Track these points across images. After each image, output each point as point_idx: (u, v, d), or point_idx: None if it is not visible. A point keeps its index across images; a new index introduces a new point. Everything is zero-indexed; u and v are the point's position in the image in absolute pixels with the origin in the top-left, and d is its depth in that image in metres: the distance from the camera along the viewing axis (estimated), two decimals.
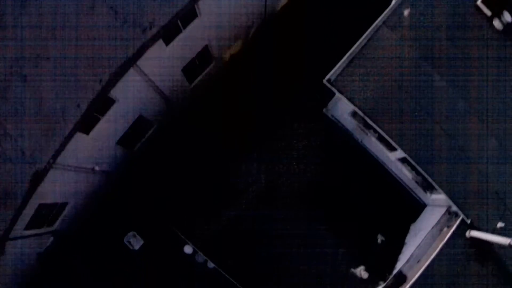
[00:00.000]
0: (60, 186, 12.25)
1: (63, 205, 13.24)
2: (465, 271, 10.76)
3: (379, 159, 12.97)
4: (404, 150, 10.41)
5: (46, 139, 10.12)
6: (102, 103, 10.72)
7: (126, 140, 13.25)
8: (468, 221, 10.43)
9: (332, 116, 13.64)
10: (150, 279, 13.88)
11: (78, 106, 10.12)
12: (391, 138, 10.44)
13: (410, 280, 10.83)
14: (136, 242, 13.98)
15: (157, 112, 13.71)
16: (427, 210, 12.82)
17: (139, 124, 13.26)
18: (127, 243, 13.95)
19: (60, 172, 11.56)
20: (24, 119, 10.03)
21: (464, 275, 10.74)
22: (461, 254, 10.82)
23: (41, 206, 12.03)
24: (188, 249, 13.46)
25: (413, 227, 12.87)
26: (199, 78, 14.36)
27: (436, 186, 10.44)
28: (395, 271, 11.56)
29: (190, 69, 13.46)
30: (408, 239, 12.65)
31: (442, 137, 10.28)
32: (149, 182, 13.79)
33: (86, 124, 10.84)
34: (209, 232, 13.22)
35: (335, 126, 13.69)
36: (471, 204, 10.47)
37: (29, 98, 9.99)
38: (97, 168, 12.73)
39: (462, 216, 10.53)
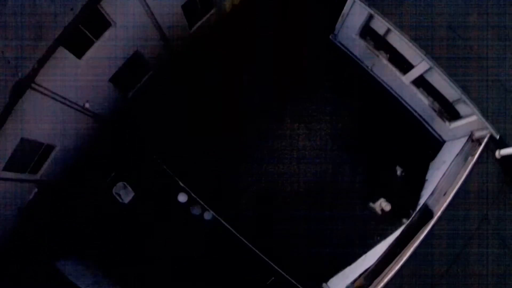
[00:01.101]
0: (46, 123, 11.36)
1: (50, 148, 12.32)
2: (497, 198, 9.38)
3: (392, 90, 12.00)
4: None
5: (34, 46, 9.51)
6: (97, 22, 10.02)
7: (120, 79, 12.24)
8: (497, 137, 9.27)
9: (340, 43, 12.80)
10: (141, 234, 12.57)
11: (72, 9, 9.62)
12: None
13: (437, 213, 9.47)
14: (126, 194, 12.75)
15: (155, 53, 12.81)
16: (446, 146, 11.68)
17: (134, 63, 12.29)
18: (116, 195, 12.79)
19: (45, 100, 10.74)
20: (13, 24, 9.54)
21: (498, 202, 9.35)
22: (491, 178, 9.53)
23: (24, 142, 11.08)
24: (182, 197, 12.16)
25: (433, 165, 11.61)
26: (199, 24, 13.60)
27: (460, 93, 9.35)
28: (419, 207, 10.16)
29: (191, 9, 12.69)
30: (429, 175, 11.41)
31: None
32: (142, 133, 12.60)
33: (78, 42, 10.03)
34: (207, 181, 12.04)
35: (344, 57, 12.74)
36: (499, 118, 9.38)
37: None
38: (87, 105, 11.78)
39: (490, 132, 9.38)
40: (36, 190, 12.75)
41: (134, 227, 12.52)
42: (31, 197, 12.77)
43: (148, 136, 12.29)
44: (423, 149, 12.00)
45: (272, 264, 11.31)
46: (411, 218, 10.08)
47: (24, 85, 9.34)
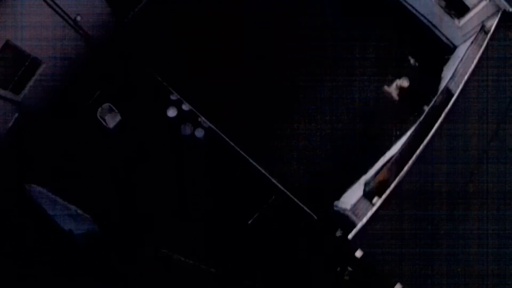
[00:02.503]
0: (34, 29, 10.95)
1: (35, 64, 11.68)
2: None
3: None
4: None
5: None
6: None
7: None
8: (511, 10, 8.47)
9: None
10: (128, 159, 11.21)
11: None
12: None
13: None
14: (111, 118, 11.67)
15: None
16: (458, 49, 10.60)
17: None
18: (100, 119, 11.72)
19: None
20: None
21: None
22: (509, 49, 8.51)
23: (9, 46, 10.62)
24: (172, 112, 11.03)
25: (447, 67, 10.42)
26: None
27: None
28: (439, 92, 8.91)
29: None
30: (444, 73, 10.11)
31: None
32: (135, 53, 11.72)
33: None
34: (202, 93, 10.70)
35: None
36: None
37: None
38: (78, 18, 11.48)
39: (503, 8, 8.59)
40: (16, 115, 11.92)
41: (118, 154, 11.35)
42: (10, 124, 11.93)
43: (141, 55, 11.37)
44: (435, 55, 10.92)
45: (272, 179, 9.79)
46: (433, 101, 8.82)
47: None
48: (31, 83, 11.57)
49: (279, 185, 9.72)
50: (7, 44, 10.31)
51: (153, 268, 11.05)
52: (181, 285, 10.72)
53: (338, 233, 11.82)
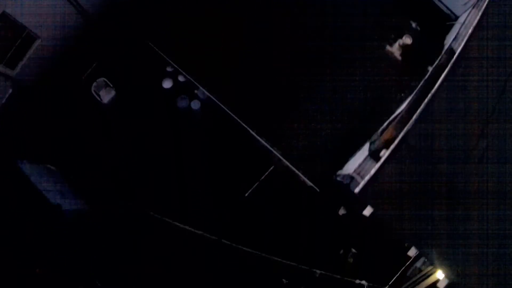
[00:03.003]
0: (31, 2, 10.81)
1: (31, 36, 11.48)
2: None
3: None
4: None
5: None
6: None
7: None
8: None
9: None
10: (122, 134, 10.83)
11: None
12: None
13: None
14: (106, 93, 11.39)
15: None
16: (461, 17, 10.34)
17: None
18: (95, 94, 11.42)
19: None
20: None
21: None
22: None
23: (5, 18, 10.48)
24: (167, 83, 10.72)
25: (449, 34, 10.12)
26: None
27: None
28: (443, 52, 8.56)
29: None
30: (447, 39, 9.77)
31: None
32: (132, 29, 11.33)
33: None
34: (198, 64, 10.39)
35: None
36: None
37: None
38: None
39: None
40: (10, 91, 11.67)
41: (113, 130, 11.00)
42: (4, 101, 11.67)
43: (137, 26, 11.09)
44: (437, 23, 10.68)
45: (272, 149, 9.36)
46: (438, 60, 8.47)
47: None
48: (26, 57, 11.46)
49: (278, 155, 9.31)
50: (4, 16, 10.24)
51: (148, 237, 10.58)
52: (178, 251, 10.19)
53: (342, 211, 11.31)
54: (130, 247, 11.25)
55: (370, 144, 8.18)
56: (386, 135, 8.05)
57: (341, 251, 11.42)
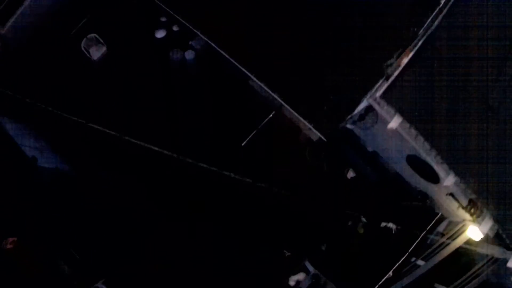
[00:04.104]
0: None
1: None
2: None
3: None
4: None
5: None
6: None
7: None
8: None
9: None
10: (113, 92, 10.01)
11: None
12: None
13: None
14: (96, 50, 10.68)
15: None
16: None
17: None
18: (84, 51, 10.70)
19: None
20: None
21: None
22: None
23: None
24: (160, 33, 9.95)
25: None
26: None
27: None
28: None
29: None
30: None
31: None
32: None
33: None
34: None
35: None
36: None
37: None
38: None
39: None
40: None
41: (103, 87, 10.23)
42: None
43: None
44: None
45: (273, 94, 8.42)
46: None
47: None
48: (17, 14, 11.00)
49: (280, 101, 8.40)
50: None
51: (131, 207, 9.53)
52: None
53: (350, 174, 10.23)
54: (112, 216, 10.20)
55: (386, 68, 7.33)
56: (403, 57, 7.22)
57: (350, 222, 10.31)
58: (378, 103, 7.10)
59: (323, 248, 9.91)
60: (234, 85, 9.08)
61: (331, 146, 8.80)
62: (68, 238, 10.03)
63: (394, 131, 7.55)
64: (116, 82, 10.40)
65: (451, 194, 7.35)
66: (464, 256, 9.00)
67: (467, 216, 7.84)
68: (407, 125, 7.42)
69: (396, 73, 6.93)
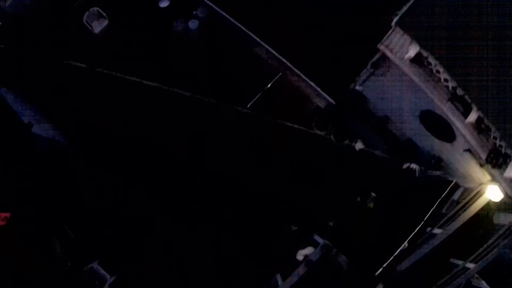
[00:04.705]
0: None
1: None
2: None
3: None
4: None
5: None
6: None
7: None
8: None
9: None
10: (115, 64, 9.64)
11: None
12: None
13: None
14: (98, 24, 10.47)
15: None
16: None
17: None
18: (86, 24, 10.49)
19: None
20: None
21: None
22: None
23: None
24: (164, 2, 9.73)
25: None
26: None
27: None
28: None
29: None
30: None
31: None
32: None
33: None
34: None
35: None
36: None
37: None
38: None
39: None
40: (0, 24, 10.88)
41: (104, 61, 9.94)
42: None
43: None
44: None
45: (279, 56, 8.14)
46: None
47: None
48: None
49: (288, 63, 8.14)
50: None
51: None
52: None
53: (359, 146, 9.85)
54: (110, 194, 9.67)
55: (397, 18, 7.06)
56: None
57: (358, 198, 9.84)
58: (391, 50, 6.82)
59: (332, 224, 9.47)
60: (239, 52, 8.92)
61: (339, 111, 8.54)
62: (63, 215, 9.53)
63: (409, 80, 7.17)
64: (117, 55, 10.23)
65: (468, 150, 7.06)
66: (480, 228, 8.61)
67: (484, 176, 7.49)
68: (425, 53, 6.97)
69: (411, 2, 6.69)
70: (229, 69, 9.05)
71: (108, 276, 9.54)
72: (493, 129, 6.40)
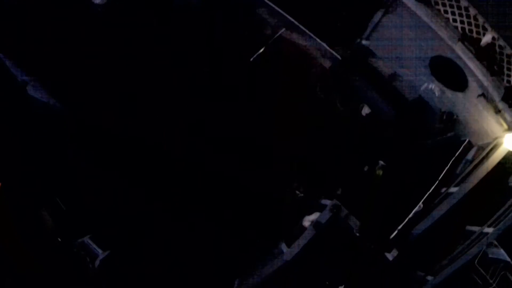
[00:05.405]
0: None
1: None
2: None
3: None
4: None
5: None
6: None
7: None
8: None
9: None
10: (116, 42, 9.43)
11: None
12: None
13: None
14: None
15: None
16: None
17: None
18: None
19: None
20: None
21: None
22: None
23: None
24: None
25: None
26: None
27: None
28: None
29: None
30: None
31: None
32: None
33: None
34: None
35: None
36: None
37: None
38: None
39: None
40: None
41: (106, 34, 9.74)
42: None
43: None
44: None
45: (282, 12, 7.87)
46: None
47: None
48: None
49: (292, 20, 7.93)
50: None
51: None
52: None
53: (366, 110, 9.48)
54: (104, 163, 9.18)
55: None
56: None
57: (366, 167, 9.38)
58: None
59: (339, 192, 8.97)
60: (241, 13, 8.76)
61: (345, 72, 8.28)
62: (55, 185, 9.00)
63: (417, 25, 6.86)
64: (117, 26, 10.10)
65: (482, 95, 6.74)
66: (496, 192, 8.14)
67: (500, 128, 7.13)
68: None
69: None
70: (231, 31, 8.91)
71: (100, 252, 9.05)
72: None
